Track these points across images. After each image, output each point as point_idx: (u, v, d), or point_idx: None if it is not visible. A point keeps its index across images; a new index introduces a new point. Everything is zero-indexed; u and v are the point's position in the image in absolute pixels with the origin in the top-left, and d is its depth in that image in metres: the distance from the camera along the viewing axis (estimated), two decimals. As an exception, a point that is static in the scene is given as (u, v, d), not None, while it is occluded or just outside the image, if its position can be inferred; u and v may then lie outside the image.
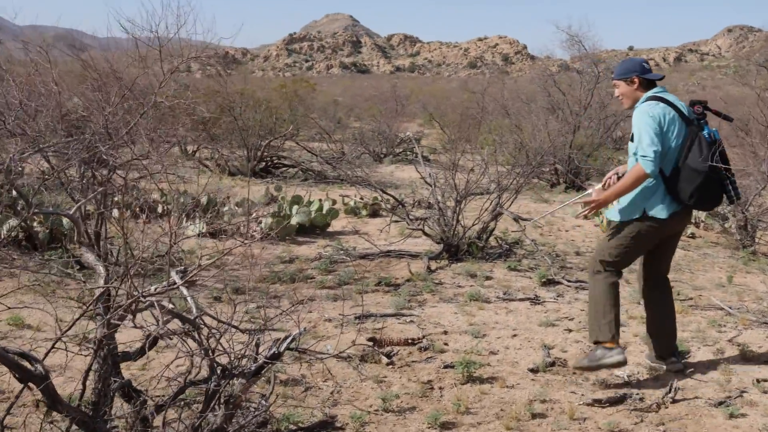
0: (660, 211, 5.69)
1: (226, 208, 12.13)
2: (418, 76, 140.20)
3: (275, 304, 7.63)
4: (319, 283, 8.56)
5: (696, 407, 5.35)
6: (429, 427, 4.92)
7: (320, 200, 12.98)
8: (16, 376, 3.21)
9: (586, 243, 11.57)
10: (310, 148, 19.66)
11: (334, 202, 13.69)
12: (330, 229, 11.86)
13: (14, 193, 8.45)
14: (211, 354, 3.51)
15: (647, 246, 5.99)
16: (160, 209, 12.17)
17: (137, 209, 11.91)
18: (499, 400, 5.42)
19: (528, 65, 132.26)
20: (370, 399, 5.35)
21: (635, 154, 5.63)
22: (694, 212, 12.54)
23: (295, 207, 11.79)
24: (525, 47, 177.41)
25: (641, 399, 5.46)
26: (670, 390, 5.45)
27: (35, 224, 9.56)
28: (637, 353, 6.53)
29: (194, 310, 3.42)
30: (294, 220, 11.34)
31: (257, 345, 3.69)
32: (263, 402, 4.55)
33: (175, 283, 3.44)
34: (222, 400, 3.50)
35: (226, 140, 19.04)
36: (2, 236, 9.04)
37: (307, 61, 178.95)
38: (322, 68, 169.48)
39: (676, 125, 5.65)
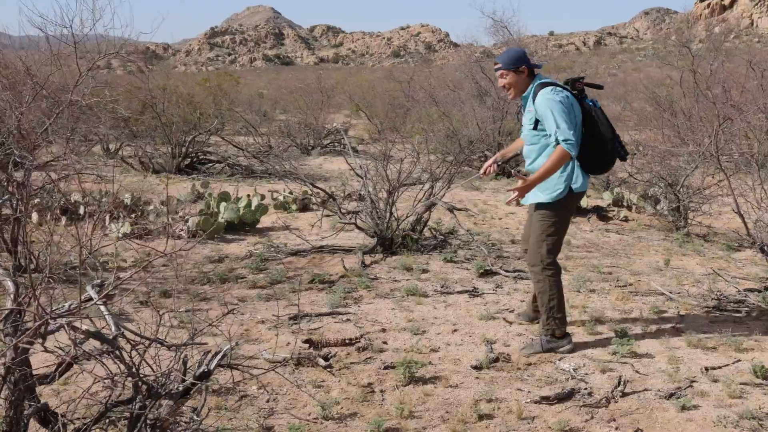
0: (582, 185, 6.09)
1: (151, 207, 11.71)
2: (343, 66, 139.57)
3: (205, 307, 7.32)
4: (251, 282, 8.23)
5: (646, 400, 5.18)
6: (372, 435, 4.66)
7: (248, 196, 12.61)
8: None
9: (520, 230, 11.41)
10: (236, 143, 19.21)
11: (263, 197, 13.33)
12: (260, 226, 11.51)
13: None
14: (134, 373, 3.18)
15: (569, 223, 6.35)
16: (82, 210, 11.69)
17: (58, 211, 11.45)
18: (444, 401, 5.18)
19: (451, 53, 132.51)
20: (309, 406, 5.06)
21: (557, 138, 5.82)
22: (626, 196, 12.63)
23: (223, 204, 11.40)
24: (447, 35, 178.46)
25: (590, 394, 5.28)
26: (619, 383, 5.28)
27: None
28: (581, 344, 6.35)
29: (112, 329, 3.10)
30: (222, 218, 10.97)
31: (185, 362, 3.38)
32: (194, 417, 4.25)
33: (90, 299, 3.10)
34: (148, 423, 3.19)
35: (149, 137, 18.51)
36: None
37: (230, 54, 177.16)
38: (246, 61, 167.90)
39: (575, 105, 5.96)
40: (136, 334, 3.28)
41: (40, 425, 3.51)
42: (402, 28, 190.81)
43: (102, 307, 3.10)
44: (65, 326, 2.86)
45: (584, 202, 12.52)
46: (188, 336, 5.53)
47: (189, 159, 18.31)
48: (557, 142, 5.82)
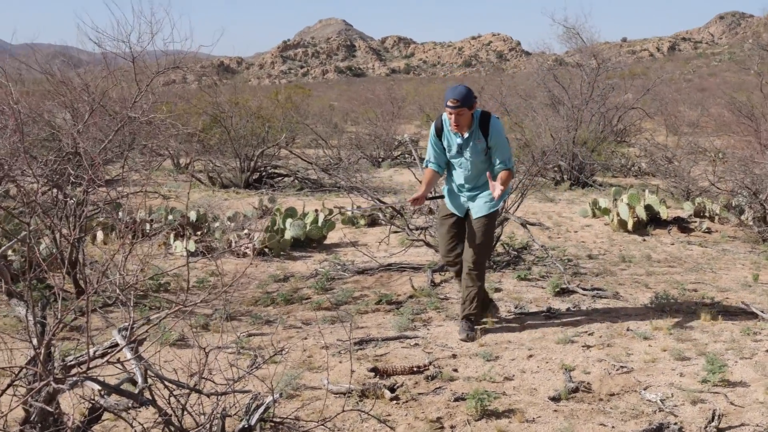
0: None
1: (217, 224, 11.47)
2: (414, 77, 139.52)
3: (267, 331, 7.00)
4: (315, 304, 7.87)
5: (745, 438, 4.67)
6: (441, 479, 4.24)
7: (316, 211, 12.33)
8: None
9: (597, 244, 10.91)
10: (304, 156, 18.97)
11: (331, 212, 13.04)
12: (327, 242, 11.19)
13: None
14: (171, 424, 2.82)
15: None
16: (147, 228, 11.52)
17: (122, 230, 11.26)
18: (520, 438, 4.74)
19: (523, 61, 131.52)
20: (373, 444, 4.65)
21: (507, 165, 6.65)
22: (708, 206, 12.00)
23: (289, 220, 11.10)
24: (519, 43, 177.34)
25: (680, 429, 4.76)
26: (713, 418, 4.76)
27: (9, 252, 8.88)
28: (668, 371, 5.85)
29: (139, 380, 2.75)
30: (288, 234, 10.68)
31: (223, 418, 3.01)
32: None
33: (116, 345, 2.75)
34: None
35: (219, 151, 18.41)
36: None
37: (302, 67, 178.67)
38: (318, 74, 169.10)
39: None
40: (170, 381, 2.92)
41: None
42: (473, 38, 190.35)
43: (128, 353, 2.75)
44: (81, 382, 2.51)
45: (664, 214, 11.94)
46: (248, 366, 5.20)
47: (258, 173, 18.15)
48: (506, 167, 6.62)
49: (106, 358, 2.72)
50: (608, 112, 20.96)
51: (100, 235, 10.85)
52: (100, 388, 2.53)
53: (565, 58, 30.27)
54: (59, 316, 2.86)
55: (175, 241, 10.64)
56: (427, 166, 6.93)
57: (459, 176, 6.91)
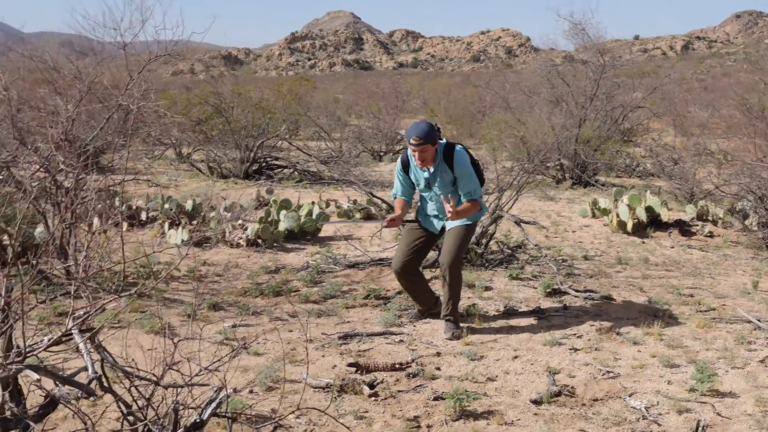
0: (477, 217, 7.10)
1: (212, 214, 11.42)
2: (421, 71, 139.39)
3: (254, 322, 6.96)
4: (304, 297, 7.83)
5: (728, 450, 4.60)
6: (413, 478, 4.19)
7: (312, 203, 12.28)
8: None
9: (594, 245, 10.83)
10: (304, 148, 18.92)
11: (327, 204, 12.99)
12: (321, 235, 11.14)
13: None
14: (131, 415, 2.78)
15: None
16: (144, 216, 11.49)
17: (118, 217, 11.24)
18: (497, 440, 4.68)
19: (532, 58, 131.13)
20: (348, 441, 4.60)
21: (473, 196, 6.77)
22: (711, 209, 11.89)
23: (284, 212, 11.06)
24: (528, 39, 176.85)
25: (663, 438, 4.71)
26: (697, 428, 4.70)
27: (4, 237, 8.84)
28: (656, 378, 5.79)
29: (90, 371, 2.70)
30: (282, 226, 10.63)
31: (176, 411, 2.96)
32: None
33: (68, 335, 2.69)
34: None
35: (220, 141, 18.38)
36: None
37: (309, 59, 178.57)
38: (325, 66, 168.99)
39: None
40: (126, 372, 2.87)
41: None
42: (482, 33, 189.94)
43: (82, 346, 2.69)
44: (32, 371, 2.46)
45: (665, 216, 11.85)
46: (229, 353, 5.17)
47: (257, 164, 18.11)
48: (471, 197, 6.75)
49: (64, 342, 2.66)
50: (614, 111, 20.76)
51: (96, 222, 10.80)
52: (38, 377, 2.49)
53: (575, 56, 30.11)
54: (43, 301, 2.82)
55: (169, 229, 10.61)
56: (395, 198, 7.10)
57: (431, 208, 7.09)
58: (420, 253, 7.07)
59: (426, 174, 6.85)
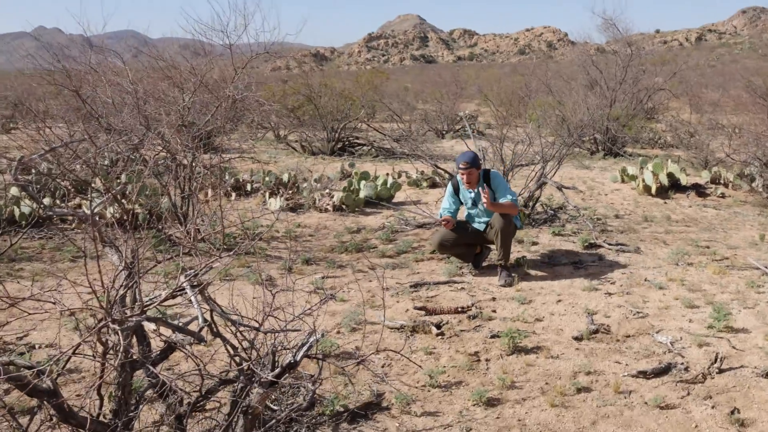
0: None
1: (305, 185, 11.40)
2: (476, 63, 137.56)
3: (339, 274, 6.90)
4: (380, 252, 7.75)
5: (743, 378, 4.39)
6: (474, 404, 4.08)
7: (387, 174, 12.16)
8: (24, 392, 2.48)
9: (624, 206, 10.52)
10: (379, 128, 18.80)
11: (399, 175, 12.87)
12: (395, 200, 11.03)
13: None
14: (237, 356, 2.72)
15: None
16: (249, 188, 11.52)
17: (229, 188, 11.30)
18: (544, 372, 4.54)
19: (569, 50, 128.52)
20: (419, 373, 4.51)
21: (512, 199, 6.79)
22: (723, 174, 11.45)
23: (363, 182, 10.98)
24: (566, 35, 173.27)
25: (686, 369, 4.52)
26: (716, 360, 4.50)
27: (136, 206, 8.93)
28: (679, 317, 5.58)
29: (200, 320, 2.64)
30: (362, 194, 10.55)
31: (273, 353, 2.89)
32: (309, 386, 3.79)
33: (181, 290, 2.64)
34: (241, 410, 2.73)
35: (311, 125, 18.37)
36: (108, 217, 8.40)
37: (383, 55, 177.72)
38: (396, 61, 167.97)
39: None
40: (232, 321, 2.81)
41: (159, 399, 3.10)
42: (527, 30, 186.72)
43: (194, 299, 2.64)
44: (147, 321, 2.42)
45: (684, 180, 11.46)
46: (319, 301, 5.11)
47: (341, 143, 18.07)
48: (510, 199, 6.76)
49: (168, 300, 2.61)
50: (639, 93, 20.33)
51: (210, 193, 10.87)
52: (155, 327, 2.45)
53: (606, 48, 29.35)
54: (163, 260, 2.80)
55: (269, 198, 10.61)
56: (442, 215, 7.02)
57: (477, 223, 7.13)
58: (460, 240, 6.99)
59: (471, 194, 7.00)
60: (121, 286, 2.50)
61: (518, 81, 29.36)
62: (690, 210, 10.25)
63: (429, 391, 4.28)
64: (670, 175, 11.41)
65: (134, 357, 2.60)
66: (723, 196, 11.21)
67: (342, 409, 3.94)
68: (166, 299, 2.54)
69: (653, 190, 11.24)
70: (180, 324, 2.75)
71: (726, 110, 19.90)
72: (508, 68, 59.91)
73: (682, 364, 4.57)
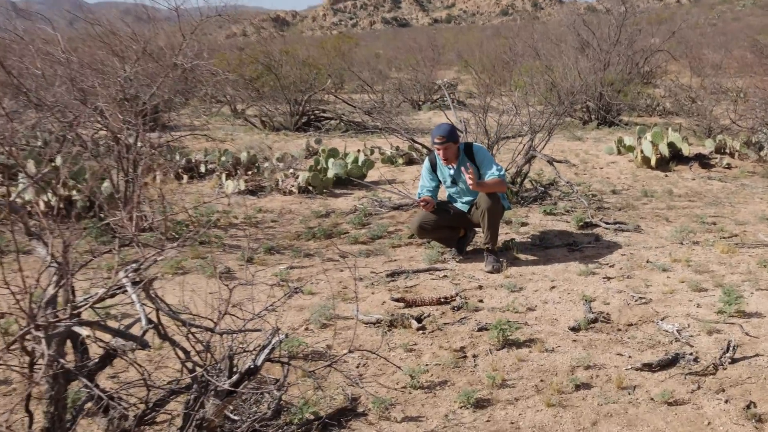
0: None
1: (266, 164, 11.26)
2: (455, 26, 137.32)
3: (307, 263, 6.81)
4: (353, 238, 7.65)
5: (758, 368, 4.38)
6: (461, 407, 4.03)
7: (358, 151, 12.05)
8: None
9: (621, 180, 10.52)
10: (348, 100, 18.65)
11: (372, 151, 12.75)
12: (367, 180, 10.93)
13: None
14: (189, 362, 2.62)
15: None
16: (203, 169, 11.36)
17: (179, 170, 11.13)
18: (539, 368, 4.49)
19: (557, 10, 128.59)
20: (399, 373, 4.43)
21: (499, 174, 6.65)
22: (729, 143, 11.48)
23: (332, 160, 10.86)
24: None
25: (695, 359, 4.49)
26: (728, 348, 4.48)
27: (74, 193, 8.75)
28: (686, 302, 5.55)
29: (143, 322, 2.54)
30: (330, 173, 10.45)
31: (230, 358, 2.79)
32: (275, 392, 3.70)
33: (120, 287, 2.53)
34: (194, 424, 2.63)
35: (271, 97, 18.18)
36: (41, 206, 8.21)
37: (351, 19, 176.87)
38: (366, 25, 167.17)
39: None
40: (182, 321, 2.71)
41: (101, 414, 2.99)
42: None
43: (134, 296, 2.53)
44: (78, 326, 2.31)
45: (686, 150, 11.47)
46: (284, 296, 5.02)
47: (306, 117, 17.90)
48: (497, 175, 6.62)
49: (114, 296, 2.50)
50: (635, 55, 20.36)
51: (159, 176, 10.70)
52: (88, 334, 2.34)
53: (596, 6, 29.39)
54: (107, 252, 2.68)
55: (226, 180, 10.47)
56: (420, 196, 6.92)
57: (459, 204, 7.07)
58: (441, 222, 6.91)
59: (451, 171, 6.86)
60: (50, 285, 2.39)
61: (502, 44, 29.25)
62: (693, 183, 10.27)
63: (410, 393, 4.21)
64: (670, 145, 11.42)
65: (66, 367, 2.48)
66: (729, 166, 11.24)
67: (312, 417, 3.86)
68: (101, 299, 2.43)
69: (653, 162, 11.24)
70: (121, 327, 2.64)
71: (730, 72, 20.00)
72: (490, 31, 59.81)
73: (691, 354, 4.55)
